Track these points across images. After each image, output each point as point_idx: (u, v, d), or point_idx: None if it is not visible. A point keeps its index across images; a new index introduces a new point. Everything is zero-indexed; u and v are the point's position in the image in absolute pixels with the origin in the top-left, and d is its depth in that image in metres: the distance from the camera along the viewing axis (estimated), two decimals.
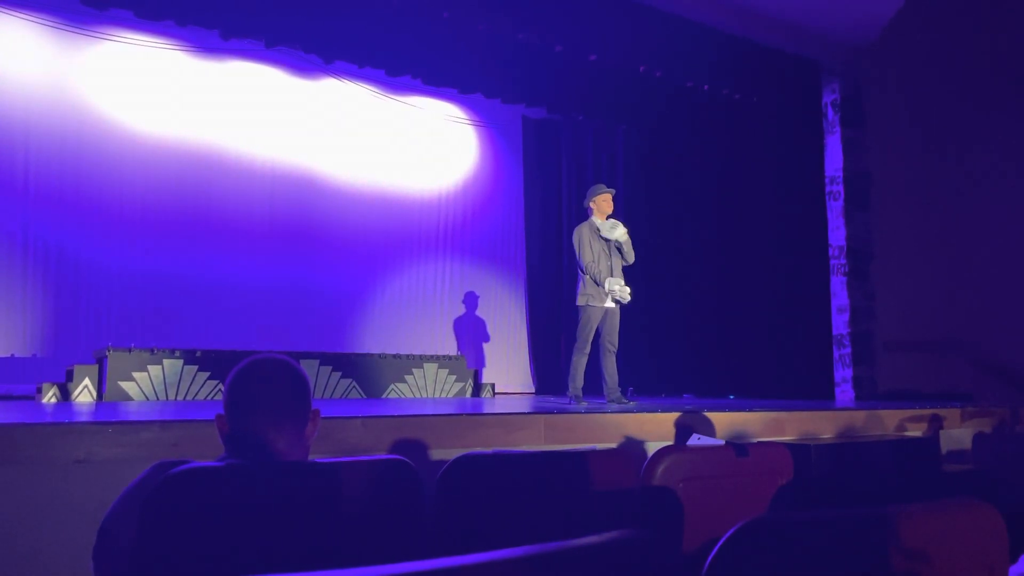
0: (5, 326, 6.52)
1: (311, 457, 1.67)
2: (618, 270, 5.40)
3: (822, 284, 7.54)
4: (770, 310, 8.02)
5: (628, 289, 5.39)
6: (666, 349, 8.64)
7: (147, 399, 5.54)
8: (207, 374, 5.83)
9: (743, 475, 2.24)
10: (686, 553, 1.92)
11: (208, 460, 1.50)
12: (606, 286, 5.26)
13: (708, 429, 3.10)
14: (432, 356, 7.26)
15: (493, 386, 7.48)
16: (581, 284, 5.34)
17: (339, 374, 6.44)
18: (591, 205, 5.49)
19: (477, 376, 7.39)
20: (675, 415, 3.93)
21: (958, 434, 5.20)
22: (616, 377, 5.34)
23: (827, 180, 7.60)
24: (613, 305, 5.32)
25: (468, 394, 7.22)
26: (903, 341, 7.15)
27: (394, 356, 6.94)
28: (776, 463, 2.35)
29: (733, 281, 8.44)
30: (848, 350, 7.27)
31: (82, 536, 1.67)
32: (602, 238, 5.36)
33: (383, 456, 1.69)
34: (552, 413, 3.72)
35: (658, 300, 8.46)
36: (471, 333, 8.89)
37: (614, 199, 5.67)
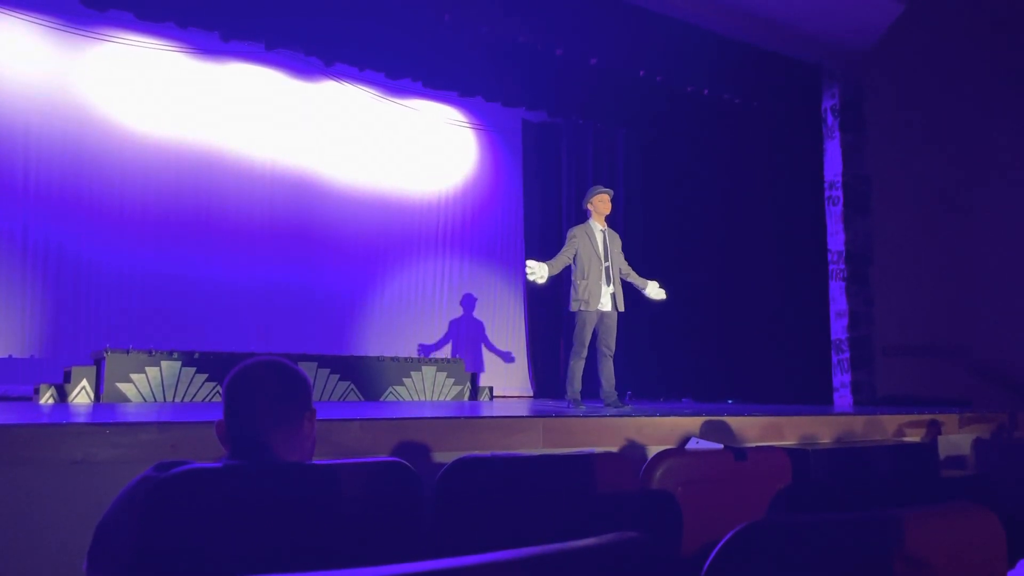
0: (3, 327, 6.51)
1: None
2: (616, 276, 5.37)
3: (821, 289, 7.54)
4: (769, 315, 8.02)
5: (655, 284, 5.51)
6: (665, 353, 8.63)
7: (145, 401, 5.53)
8: (205, 376, 5.82)
9: (742, 479, 2.23)
10: (685, 556, 1.92)
11: (207, 462, 1.50)
12: (647, 290, 5.49)
13: (728, 435, 3.10)
14: (430, 359, 7.26)
15: (491, 389, 7.47)
16: (573, 289, 5.32)
17: (337, 376, 6.44)
18: (589, 207, 5.49)
19: (475, 379, 7.39)
20: (673, 419, 3.93)
21: (956, 439, 5.19)
22: (613, 381, 5.31)
23: (826, 185, 7.61)
24: (609, 308, 5.31)
25: (466, 397, 7.21)
26: (902, 346, 7.16)
27: (392, 359, 6.93)
28: (775, 467, 2.35)
29: (732, 286, 8.45)
30: (847, 355, 7.27)
31: (79, 537, 1.67)
32: (595, 243, 5.34)
33: (382, 458, 1.69)
34: (550, 416, 3.71)
35: (657, 304, 8.45)
36: (470, 336, 8.89)
37: (614, 202, 5.66)
